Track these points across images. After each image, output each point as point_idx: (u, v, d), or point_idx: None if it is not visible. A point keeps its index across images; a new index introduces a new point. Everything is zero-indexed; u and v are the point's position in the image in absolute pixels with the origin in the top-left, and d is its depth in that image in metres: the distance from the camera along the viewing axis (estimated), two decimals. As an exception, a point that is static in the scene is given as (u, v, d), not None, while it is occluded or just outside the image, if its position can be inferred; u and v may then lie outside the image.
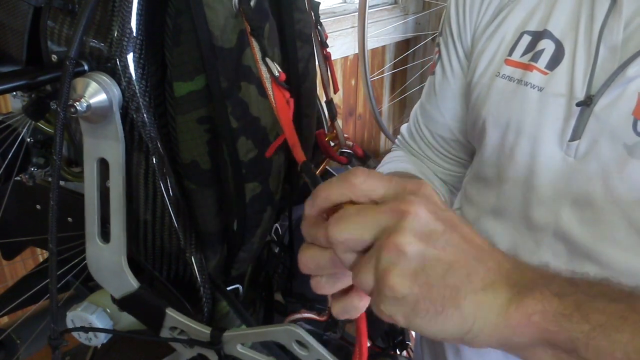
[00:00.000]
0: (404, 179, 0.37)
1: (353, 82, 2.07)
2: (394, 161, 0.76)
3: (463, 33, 0.67)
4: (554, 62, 0.57)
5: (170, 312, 0.52)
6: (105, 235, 0.50)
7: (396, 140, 0.82)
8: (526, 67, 0.59)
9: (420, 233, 0.34)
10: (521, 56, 0.60)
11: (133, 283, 0.51)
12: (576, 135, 0.55)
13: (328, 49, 0.73)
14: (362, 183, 0.36)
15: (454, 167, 0.76)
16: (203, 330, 0.52)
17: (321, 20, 0.71)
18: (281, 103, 0.47)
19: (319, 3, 0.70)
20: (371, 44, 1.96)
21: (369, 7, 1.79)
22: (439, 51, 0.71)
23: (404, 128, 0.81)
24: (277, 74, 0.47)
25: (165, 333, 0.54)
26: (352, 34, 1.89)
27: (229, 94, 0.51)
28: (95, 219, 0.49)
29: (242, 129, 0.53)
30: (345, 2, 2.00)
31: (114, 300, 0.53)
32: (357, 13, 1.76)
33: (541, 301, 0.33)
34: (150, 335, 0.55)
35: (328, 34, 0.73)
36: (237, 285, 0.64)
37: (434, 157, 0.76)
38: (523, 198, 0.60)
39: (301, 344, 0.50)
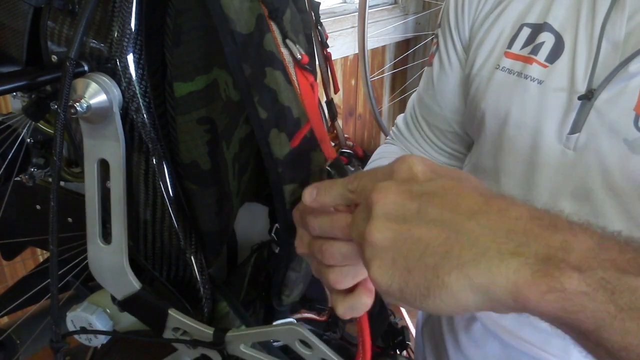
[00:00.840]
0: (380, 166, 0.36)
1: (353, 82, 2.07)
2: (384, 157, 0.76)
3: (461, 25, 0.67)
4: (554, 55, 0.57)
5: (173, 312, 0.52)
6: (106, 236, 0.50)
7: (390, 132, 0.82)
8: (526, 60, 0.59)
9: (390, 217, 0.32)
10: (521, 49, 0.60)
11: (135, 284, 0.51)
12: (576, 128, 0.55)
13: (328, 49, 0.73)
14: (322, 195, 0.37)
15: (449, 160, 0.76)
16: (206, 331, 0.52)
17: (321, 20, 0.71)
18: (305, 88, 0.45)
19: (319, 3, 0.70)
20: (371, 44, 1.96)
21: (369, 7, 1.79)
22: (437, 43, 0.71)
23: (399, 119, 0.81)
24: (299, 56, 0.44)
25: (168, 334, 0.54)
26: (352, 34, 1.89)
27: (254, 81, 0.47)
28: (96, 220, 0.49)
29: (273, 120, 0.48)
30: (345, 2, 2.00)
31: (114, 300, 0.53)
32: (357, 13, 1.76)
33: (559, 277, 0.27)
34: (154, 336, 0.55)
35: (328, 34, 0.73)
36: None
37: (429, 149, 0.76)
38: (522, 191, 0.61)
39: (305, 343, 0.50)
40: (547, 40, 0.58)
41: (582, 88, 0.54)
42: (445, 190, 0.32)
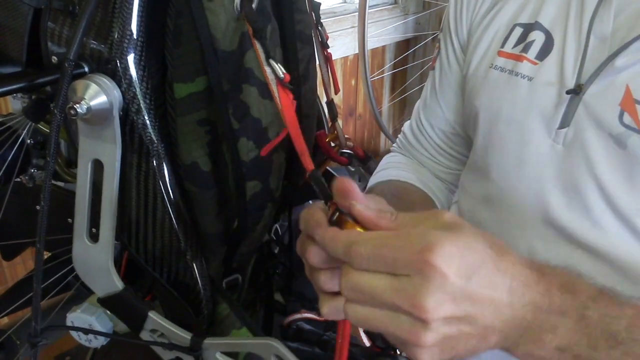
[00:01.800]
0: (410, 227, 0.37)
1: (353, 82, 2.07)
2: (390, 168, 0.76)
3: (459, 27, 0.68)
4: (544, 52, 0.58)
5: (153, 315, 0.53)
6: (94, 235, 0.50)
7: (397, 141, 0.82)
8: (517, 58, 0.60)
9: (441, 327, 0.36)
10: (513, 47, 0.61)
11: (118, 284, 0.51)
12: (565, 122, 0.56)
13: (328, 50, 0.73)
14: (368, 256, 0.36)
15: (454, 164, 0.76)
16: (184, 336, 0.52)
17: (321, 21, 0.71)
18: (287, 105, 0.47)
19: (320, 4, 0.70)
20: (371, 44, 1.96)
21: (369, 7, 1.79)
22: (439, 46, 0.72)
23: (406, 126, 0.81)
24: (281, 75, 0.47)
25: (145, 335, 0.54)
26: (352, 34, 1.89)
27: (231, 96, 0.51)
28: (85, 218, 0.49)
29: (243, 130, 0.53)
30: (345, 2, 2.00)
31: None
32: (357, 13, 1.76)
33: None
34: (130, 337, 0.55)
35: (328, 34, 0.73)
36: (237, 275, 0.65)
37: (435, 154, 0.76)
38: (512, 186, 0.61)
39: (280, 358, 0.50)
40: (537, 38, 0.59)
41: (570, 83, 0.55)
42: (474, 294, 0.37)
